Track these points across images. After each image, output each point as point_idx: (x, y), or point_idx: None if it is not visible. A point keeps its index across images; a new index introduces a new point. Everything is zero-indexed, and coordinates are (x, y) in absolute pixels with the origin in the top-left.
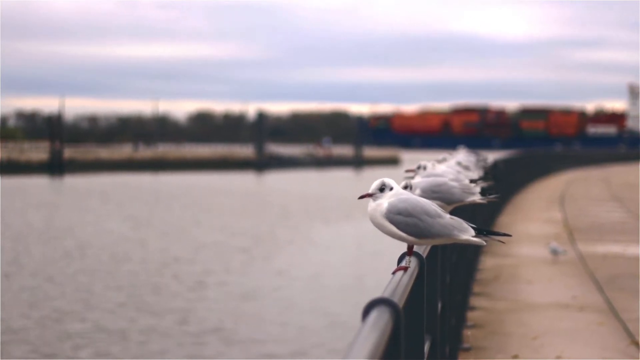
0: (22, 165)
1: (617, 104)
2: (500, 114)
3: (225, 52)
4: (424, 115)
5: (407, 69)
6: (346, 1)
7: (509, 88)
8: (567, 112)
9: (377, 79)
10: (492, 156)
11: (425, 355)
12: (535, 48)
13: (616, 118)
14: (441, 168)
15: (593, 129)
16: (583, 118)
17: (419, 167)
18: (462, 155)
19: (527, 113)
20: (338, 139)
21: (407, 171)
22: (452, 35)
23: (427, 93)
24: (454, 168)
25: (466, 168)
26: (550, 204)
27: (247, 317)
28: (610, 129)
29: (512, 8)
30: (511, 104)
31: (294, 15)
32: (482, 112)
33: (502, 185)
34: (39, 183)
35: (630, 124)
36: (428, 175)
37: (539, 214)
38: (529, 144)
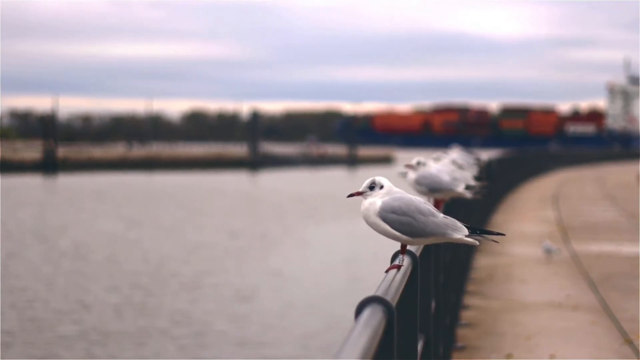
0: (15, 165)
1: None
2: (481, 113)
3: (219, 51)
4: (405, 115)
5: (401, 68)
6: (340, 0)
7: (502, 87)
8: (546, 112)
9: (371, 78)
10: (485, 155)
11: (419, 354)
12: (527, 47)
13: (595, 117)
14: (435, 167)
15: (572, 128)
16: (562, 117)
17: (418, 163)
18: (455, 154)
19: (508, 112)
20: (333, 138)
21: (407, 166)
22: (446, 35)
23: (422, 92)
24: (448, 167)
25: (460, 167)
26: (544, 203)
27: (242, 318)
28: (588, 128)
29: (506, 8)
30: (494, 103)
31: (287, 14)
32: (463, 112)
33: (496, 184)
34: (32, 182)
35: (609, 122)
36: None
37: (532, 213)
38: (508, 143)
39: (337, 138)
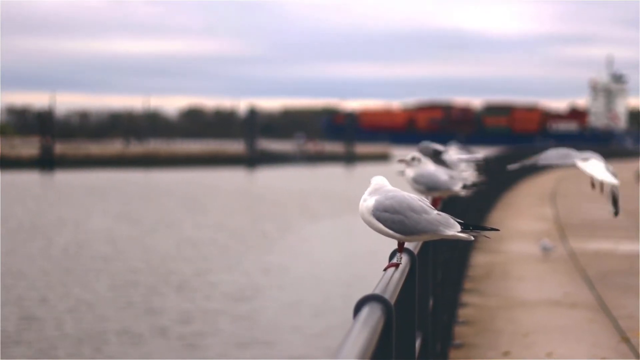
0: (12, 161)
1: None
2: (465, 111)
3: (216, 48)
4: (390, 112)
5: (400, 65)
6: None
7: (504, 84)
8: (530, 109)
9: (369, 75)
10: (482, 152)
11: (417, 352)
12: (520, 45)
13: (578, 115)
14: (431, 165)
15: (555, 126)
16: (546, 115)
17: (413, 159)
18: (453, 151)
19: (491, 109)
20: (321, 136)
21: (400, 161)
22: (444, 32)
23: (422, 89)
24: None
25: (457, 165)
26: (541, 200)
27: (241, 316)
28: (571, 126)
29: (500, 5)
30: (477, 100)
31: (284, 10)
32: (446, 109)
33: (494, 181)
34: (29, 179)
35: (592, 120)
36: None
37: (530, 211)
38: (492, 140)
39: (324, 135)
